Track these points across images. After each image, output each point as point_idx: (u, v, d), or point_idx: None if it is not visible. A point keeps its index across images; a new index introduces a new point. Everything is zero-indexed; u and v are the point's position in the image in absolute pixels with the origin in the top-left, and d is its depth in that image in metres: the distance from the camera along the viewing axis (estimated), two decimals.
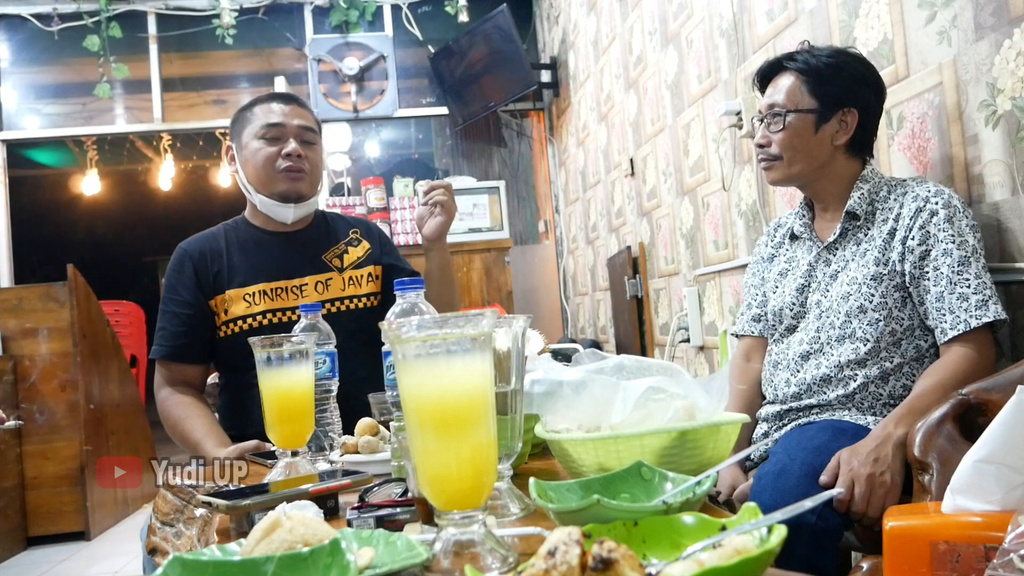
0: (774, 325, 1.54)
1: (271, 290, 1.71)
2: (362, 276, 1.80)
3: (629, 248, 3.55)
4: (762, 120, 1.49)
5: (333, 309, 1.74)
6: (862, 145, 1.47)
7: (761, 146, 1.49)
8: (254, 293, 1.70)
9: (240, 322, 1.69)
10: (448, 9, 5.12)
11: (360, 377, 1.49)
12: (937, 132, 1.53)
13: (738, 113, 2.27)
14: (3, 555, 3.45)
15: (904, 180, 1.43)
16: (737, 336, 1.68)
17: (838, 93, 1.43)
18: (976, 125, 1.43)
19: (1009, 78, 1.33)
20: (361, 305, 1.77)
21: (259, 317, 1.69)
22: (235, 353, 1.68)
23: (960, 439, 1.04)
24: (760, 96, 1.55)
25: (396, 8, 5.21)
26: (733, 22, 2.39)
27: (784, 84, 1.47)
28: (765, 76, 1.53)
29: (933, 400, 1.16)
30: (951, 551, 0.75)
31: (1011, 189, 1.36)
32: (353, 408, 1.42)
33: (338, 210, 4.43)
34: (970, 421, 1.07)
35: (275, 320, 1.69)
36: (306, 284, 1.73)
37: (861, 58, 1.47)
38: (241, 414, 1.70)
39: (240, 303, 1.69)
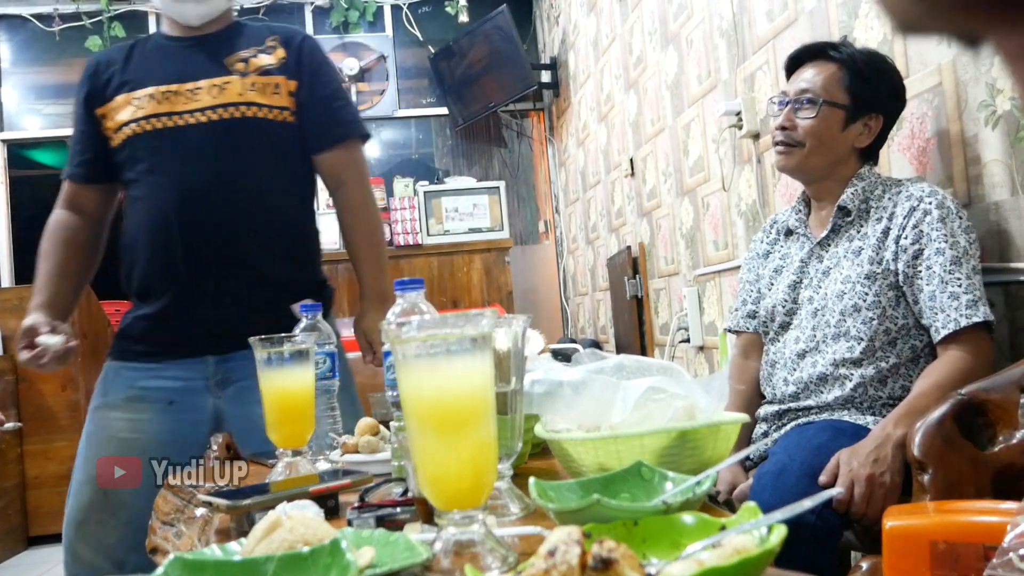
0: (766, 323, 1.54)
1: (160, 94, 1.57)
2: (268, 85, 1.59)
3: (629, 248, 3.55)
4: (787, 104, 1.45)
5: (226, 115, 1.56)
6: (873, 152, 1.47)
7: (784, 128, 1.45)
8: (142, 97, 1.57)
9: (125, 128, 1.57)
10: (448, 9, 5.12)
11: (269, 210, 1.46)
12: (937, 132, 1.53)
13: (738, 113, 2.27)
14: (4, 555, 3.46)
15: (900, 180, 1.43)
16: (732, 332, 1.68)
17: (872, 97, 1.41)
18: (976, 125, 1.43)
19: (1009, 78, 1.33)
20: (263, 115, 1.58)
21: (143, 122, 1.56)
22: (121, 163, 1.59)
23: (959, 439, 1.05)
24: (785, 79, 1.52)
25: (396, 8, 5.21)
26: (733, 22, 2.39)
27: (825, 72, 1.43)
28: (799, 60, 1.49)
29: (932, 400, 1.16)
30: (950, 551, 0.75)
31: (1011, 189, 1.36)
32: (267, 291, 1.47)
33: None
34: (969, 421, 1.07)
35: (160, 125, 1.56)
36: (200, 87, 1.57)
37: (898, 71, 1.46)
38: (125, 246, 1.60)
39: (127, 108, 1.57)
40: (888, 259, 1.35)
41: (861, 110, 1.42)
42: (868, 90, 1.41)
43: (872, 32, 1.71)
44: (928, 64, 1.54)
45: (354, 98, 5.08)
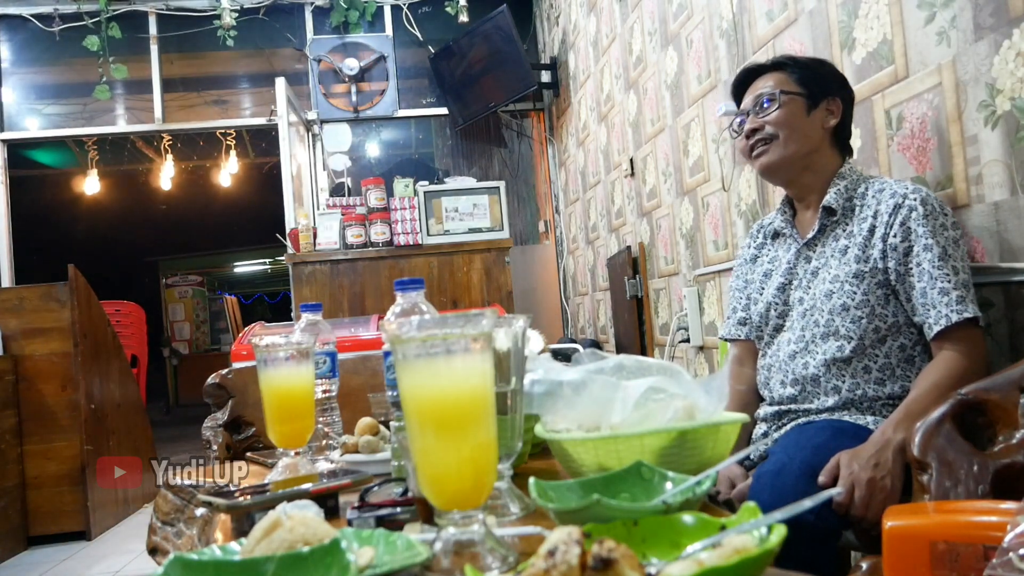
0: (760, 327, 1.55)
1: None
2: None
3: (629, 248, 3.55)
4: (747, 114, 1.51)
5: None
6: (844, 138, 1.51)
7: (754, 131, 1.49)
8: None
9: None
10: (448, 9, 5.12)
11: None
12: (936, 132, 1.54)
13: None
14: (4, 555, 3.45)
15: (880, 177, 1.46)
16: (726, 340, 1.69)
17: (822, 84, 1.48)
18: (975, 125, 1.43)
19: (1008, 78, 1.33)
20: None
21: None
22: None
23: (959, 439, 1.04)
24: (736, 107, 1.58)
25: (396, 8, 5.21)
26: (733, 22, 2.39)
27: (773, 77, 1.50)
28: (743, 83, 1.56)
29: (930, 402, 1.16)
30: (950, 551, 0.75)
31: (1010, 189, 1.36)
32: None
33: (338, 211, 4.43)
34: (969, 421, 1.07)
35: None
36: None
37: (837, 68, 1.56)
38: None
39: None
40: (876, 257, 1.36)
41: (818, 95, 1.47)
42: (817, 79, 1.48)
43: (872, 32, 1.71)
44: (928, 64, 1.54)
45: (354, 98, 5.09)
